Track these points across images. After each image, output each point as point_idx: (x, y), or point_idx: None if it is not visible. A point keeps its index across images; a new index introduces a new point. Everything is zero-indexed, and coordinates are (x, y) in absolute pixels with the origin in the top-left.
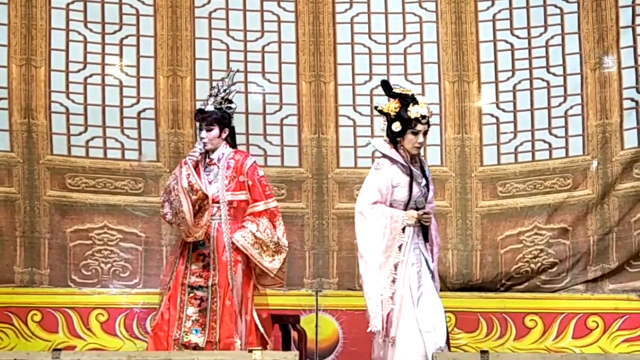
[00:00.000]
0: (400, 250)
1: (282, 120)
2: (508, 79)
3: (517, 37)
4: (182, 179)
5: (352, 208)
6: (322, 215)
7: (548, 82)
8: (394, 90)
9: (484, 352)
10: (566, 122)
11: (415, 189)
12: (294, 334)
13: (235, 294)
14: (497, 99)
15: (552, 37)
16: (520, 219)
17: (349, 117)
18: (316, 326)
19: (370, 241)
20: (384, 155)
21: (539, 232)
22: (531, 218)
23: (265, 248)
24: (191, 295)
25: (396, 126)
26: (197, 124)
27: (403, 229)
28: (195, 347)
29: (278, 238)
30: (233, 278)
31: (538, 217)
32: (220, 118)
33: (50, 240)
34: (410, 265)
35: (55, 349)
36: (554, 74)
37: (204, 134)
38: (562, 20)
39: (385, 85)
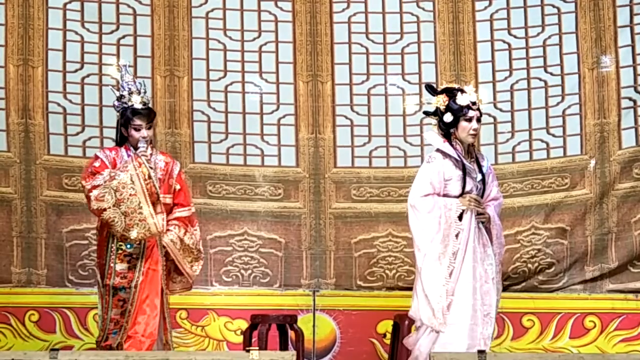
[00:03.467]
0: (457, 238)
1: (279, 120)
2: (505, 78)
3: (515, 36)
4: (139, 180)
5: (349, 208)
6: (319, 215)
7: (546, 82)
8: (441, 88)
9: (481, 352)
10: (564, 122)
11: (469, 183)
12: (291, 333)
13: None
14: (494, 98)
15: (549, 37)
16: (517, 218)
17: (346, 117)
18: (313, 326)
19: (426, 233)
20: (437, 149)
21: (536, 232)
22: (529, 218)
23: (188, 254)
24: (115, 296)
25: (448, 117)
26: (131, 122)
27: (460, 217)
28: (110, 349)
29: (199, 245)
30: (164, 281)
31: (535, 216)
32: (155, 116)
33: (46, 240)
34: (471, 255)
35: (52, 349)
36: (551, 74)
37: (145, 132)
38: (559, 20)
39: (430, 88)
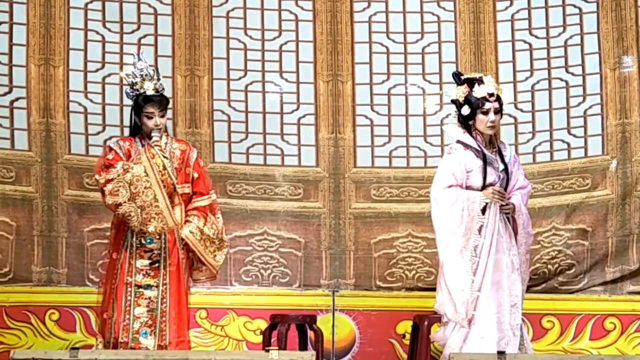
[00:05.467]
0: (480, 232)
1: (299, 119)
2: (526, 79)
3: (536, 37)
4: (154, 172)
5: (368, 208)
6: (338, 215)
7: (567, 82)
8: (463, 77)
9: (501, 353)
10: (585, 122)
11: (492, 174)
12: (310, 334)
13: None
14: (515, 99)
15: (571, 37)
16: (538, 219)
17: (366, 117)
18: (333, 326)
19: (448, 226)
20: (458, 141)
21: (557, 233)
22: (549, 219)
23: (209, 244)
24: (138, 294)
25: (465, 110)
26: (142, 110)
27: (483, 211)
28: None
29: (221, 233)
30: (185, 276)
31: (556, 217)
32: (167, 103)
33: (67, 239)
34: (494, 249)
35: (72, 348)
36: (572, 74)
37: (158, 120)
38: (581, 19)
39: (456, 76)
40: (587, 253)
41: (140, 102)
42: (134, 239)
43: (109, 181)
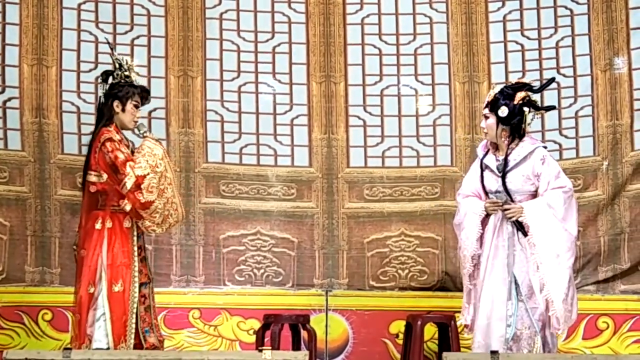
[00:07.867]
0: (480, 241)
1: (292, 120)
2: (519, 79)
3: (528, 38)
4: (170, 168)
5: (361, 208)
6: (332, 214)
7: (558, 83)
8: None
9: (494, 352)
10: (576, 123)
11: (490, 181)
12: (303, 333)
13: None
14: None
15: (562, 39)
16: None
17: (359, 118)
18: (326, 326)
19: (458, 233)
20: None
21: None
22: None
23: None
24: (140, 293)
25: None
26: (132, 97)
27: (484, 221)
28: (154, 347)
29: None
30: None
31: None
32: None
33: (60, 239)
34: (492, 254)
35: (65, 348)
36: (564, 75)
37: (138, 113)
38: (572, 21)
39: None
40: (579, 252)
41: (132, 90)
42: (135, 236)
43: (142, 177)
